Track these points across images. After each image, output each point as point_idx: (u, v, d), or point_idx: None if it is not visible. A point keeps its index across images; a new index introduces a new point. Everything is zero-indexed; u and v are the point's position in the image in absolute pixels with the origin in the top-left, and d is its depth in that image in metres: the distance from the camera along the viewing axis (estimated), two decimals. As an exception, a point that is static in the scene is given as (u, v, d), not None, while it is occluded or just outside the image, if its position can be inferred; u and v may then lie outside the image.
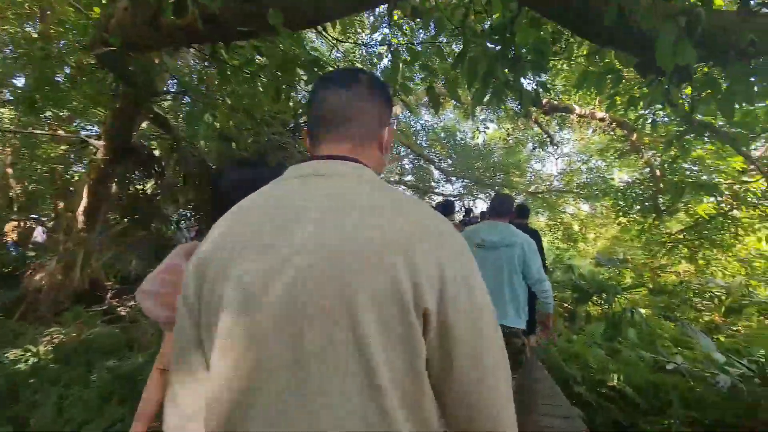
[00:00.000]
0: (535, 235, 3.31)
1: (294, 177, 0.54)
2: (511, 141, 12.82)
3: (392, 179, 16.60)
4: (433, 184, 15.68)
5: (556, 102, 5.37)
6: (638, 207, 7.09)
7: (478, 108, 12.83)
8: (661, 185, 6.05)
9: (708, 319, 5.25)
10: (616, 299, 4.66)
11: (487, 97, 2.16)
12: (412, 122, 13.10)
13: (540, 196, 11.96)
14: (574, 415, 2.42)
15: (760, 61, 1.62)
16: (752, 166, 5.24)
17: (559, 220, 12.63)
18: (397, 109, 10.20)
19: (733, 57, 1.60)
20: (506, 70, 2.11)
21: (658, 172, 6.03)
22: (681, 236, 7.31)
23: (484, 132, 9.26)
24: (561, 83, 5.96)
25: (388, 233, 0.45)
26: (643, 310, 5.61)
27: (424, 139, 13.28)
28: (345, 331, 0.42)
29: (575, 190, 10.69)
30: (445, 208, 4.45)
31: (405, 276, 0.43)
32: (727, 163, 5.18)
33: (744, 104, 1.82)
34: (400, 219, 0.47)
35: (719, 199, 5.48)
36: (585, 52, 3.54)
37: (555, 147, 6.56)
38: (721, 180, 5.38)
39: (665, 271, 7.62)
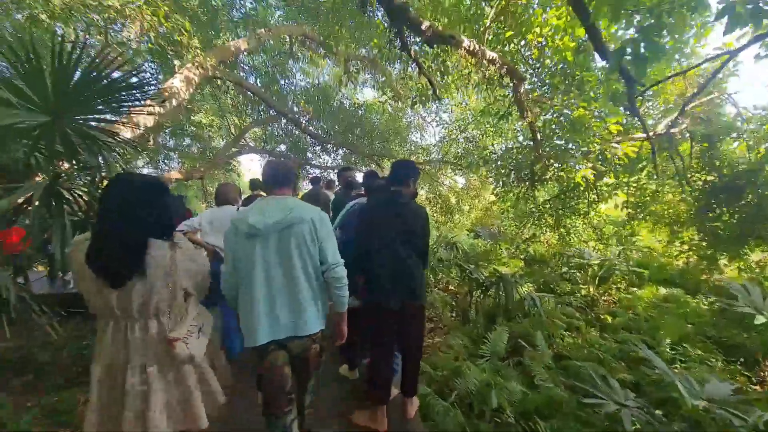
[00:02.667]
0: (422, 212, 1.83)
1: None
2: (389, 108, 11.68)
3: (257, 146, 13.59)
4: (309, 155, 13.48)
5: (439, 26, 3.95)
6: (514, 175, 6.67)
7: (356, 68, 11.03)
8: (541, 150, 5.53)
9: (585, 293, 5.03)
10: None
11: None
12: (277, 76, 10.38)
13: (420, 168, 11.23)
14: None
15: None
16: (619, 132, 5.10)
17: (437, 194, 12.34)
18: (242, 44, 7.47)
19: None
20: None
21: (539, 136, 5.46)
22: (547, 206, 7.37)
23: (351, 84, 7.55)
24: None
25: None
26: (525, 289, 5.08)
27: (291, 101, 10.83)
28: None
29: (453, 161, 10.23)
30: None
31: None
32: (604, 125, 4.81)
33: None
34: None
35: (593, 165, 5.22)
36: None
37: (437, 101, 5.31)
38: (596, 143, 5.07)
39: (534, 241, 7.66)
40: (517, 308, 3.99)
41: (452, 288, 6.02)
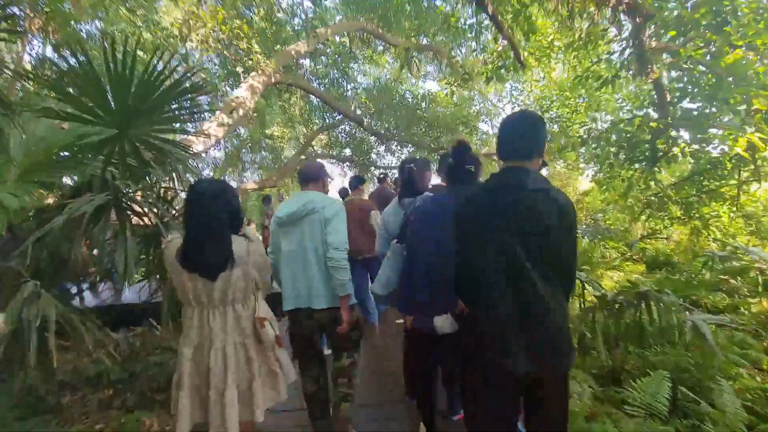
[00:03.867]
0: (567, 205, 1.06)
1: None
2: (455, 98, 10.73)
3: (324, 152, 13.81)
4: (373, 156, 13.25)
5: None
6: (625, 155, 5.27)
7: (417, 59, 10.37)
8: (668, 118, 4.16)
9: (757, 310, 3.55)
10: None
11: None
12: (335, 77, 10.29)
13: (494, 159, 10.06)
14: None
15: None
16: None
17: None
18: (302, 46, 7.37)
19: None
20: None
21: (667, 96, 4.11)
22: (672, 191, 5.72)
23: (412, 76, 6.87)
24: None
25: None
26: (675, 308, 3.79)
27: (354, 102, 10.61)
28: None
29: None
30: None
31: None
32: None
33: None
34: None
35: (757, 128, 3.70)
36: None
37: (520, 69, 4.34)
38: (763, 97, 3.58)
39: (655, 238, 6.04)
40: (659, 333, 2.87)
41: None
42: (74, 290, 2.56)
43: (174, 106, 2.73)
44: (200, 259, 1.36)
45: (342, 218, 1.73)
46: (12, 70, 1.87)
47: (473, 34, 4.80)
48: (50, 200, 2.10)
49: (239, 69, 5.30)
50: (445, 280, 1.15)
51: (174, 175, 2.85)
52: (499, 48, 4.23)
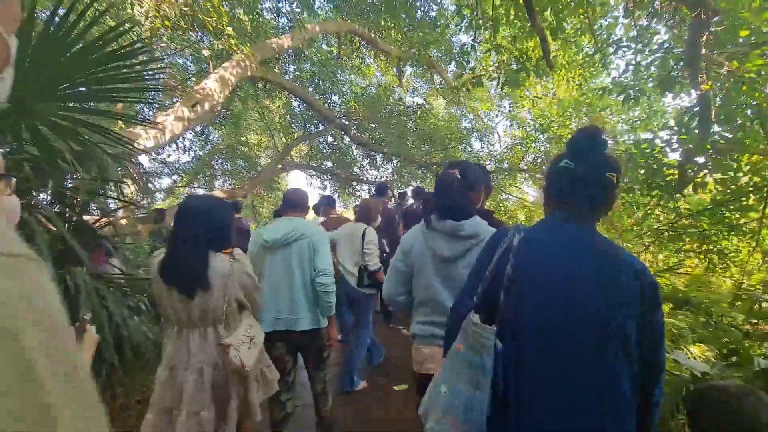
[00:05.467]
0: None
1: None
2: (444, 113, 10.20)
3: (303, 162, 12.86)
4: (356, 170, 12.39)
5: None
6: (644, 180, 4.73)
7: (408, 70, 9.84)
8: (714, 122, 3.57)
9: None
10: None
11: None
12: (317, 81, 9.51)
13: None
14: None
15: None
16: None
17: (505, 208, 10.43)
18: (285, 41, 6.55)
19: None
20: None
21: (712, 114, 3.56)
22: (687, 222, 5.25)
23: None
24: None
25: None
26: (696, 349, 3.13)
27: (339, 107, 9.80)
28: None
29: (527, 169, 8.38)
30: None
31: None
32: None
33: None
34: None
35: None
36: None
37: (548, 71, 3.71)
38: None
39: (670, 273, 5.52)
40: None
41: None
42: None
43: (100, 76, 2.04)
44: (177, 274, 1.35)
45: (327, 244, 1.87)
46: None
47: (475, 39, 4.17)
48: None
49: (205, 52, 4.37)
50: None
51: (98, 174, 2.17)
52: (523, 46, 3.59)
